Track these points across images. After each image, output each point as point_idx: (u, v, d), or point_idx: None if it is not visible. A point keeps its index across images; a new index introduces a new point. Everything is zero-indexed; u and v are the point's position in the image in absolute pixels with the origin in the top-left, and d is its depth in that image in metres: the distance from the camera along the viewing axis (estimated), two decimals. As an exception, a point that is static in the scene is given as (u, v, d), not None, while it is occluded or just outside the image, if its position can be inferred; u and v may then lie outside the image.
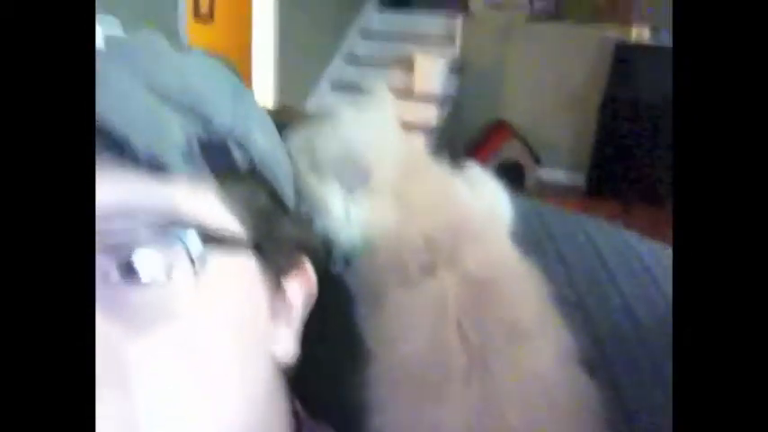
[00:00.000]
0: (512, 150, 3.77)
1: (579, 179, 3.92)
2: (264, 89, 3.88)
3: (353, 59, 4.51)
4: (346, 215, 0.42)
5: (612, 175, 3.66)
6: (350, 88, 4.38)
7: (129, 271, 0.25)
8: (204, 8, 4.44)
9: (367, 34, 4.61)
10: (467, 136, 4.18)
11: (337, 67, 4.46)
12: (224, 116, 0.29)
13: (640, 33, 3.65)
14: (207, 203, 0.28)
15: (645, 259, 0.50)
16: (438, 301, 0.41)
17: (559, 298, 0.53)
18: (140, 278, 0.25)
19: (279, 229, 0.33)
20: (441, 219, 0.44)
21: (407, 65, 4.15)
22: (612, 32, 3.75)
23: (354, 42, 4.57)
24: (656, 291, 0.47)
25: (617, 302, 0.47)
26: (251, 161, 0.30)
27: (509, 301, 0.43)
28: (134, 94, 0.27)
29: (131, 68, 0.28)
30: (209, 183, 0.29)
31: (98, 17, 0.30)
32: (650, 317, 0.48)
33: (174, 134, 0.27)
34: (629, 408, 0.44)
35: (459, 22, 4.22)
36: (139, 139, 0.25)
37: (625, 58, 3.63)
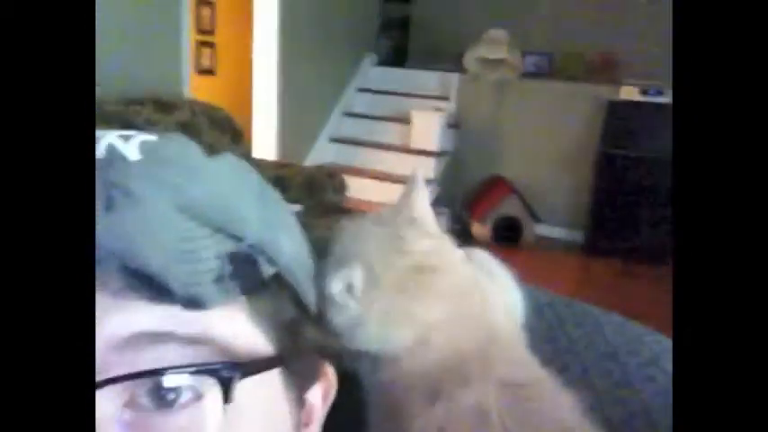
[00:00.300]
0: (510, 206, 3.81)
1: (577, 236, 3.94)
2: (265, 142, 3.93)
3: (352, 114, 4.60)
4: (359, 314, 0.41)
5: (610, 233, 3.69)
6: (348, 142, 4.45)
7: (159, 397, 0.25)
8: (206, 63, 4.56)
9: (365, 90, 4.72)
10: (465, 191, 4.22)
11: (336, 122, 4.54)
12: (253, 229, 0.30)
13: (630, 91, 3.76)
14: (236, 324, 0.29)
15: (659, 360, 0.50)
16: (480, 412, 0.40)
17: (579, 399, 0.52)
18: (170, 404, 0.25)
19: (302, 339, 0.33)
20: (470, 326, 0.44)
21: (405, 120, 4.23)
22: (604, 90, 3.86)
23: (353, 98, 4.68)
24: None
25: (636, 407, 0.47)
26: (276, 268, 0.31)
27: (549, 402, 0.42)
28: (169, 222, 0.27)
29: (164, 185, 0.28)
30: (238, 302, 0.29)
31: (135, 133, 0.31)
32: (667, 421, 0.47)
33: (208, 262, 0.27)
34: None
35: (454, 78, 4.34)
36: (176, 279, 0.25)
37: (617, 115, 3.72)
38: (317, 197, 2.91)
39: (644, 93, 3.71)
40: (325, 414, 0.37)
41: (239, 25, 4.61)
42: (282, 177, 2.90)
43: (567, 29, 4.44)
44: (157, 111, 2.66)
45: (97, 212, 0.25)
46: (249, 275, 0.29)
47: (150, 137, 0.31)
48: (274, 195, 0.35)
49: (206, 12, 4.48)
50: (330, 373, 0.38)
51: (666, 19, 4.14)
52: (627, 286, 3.29)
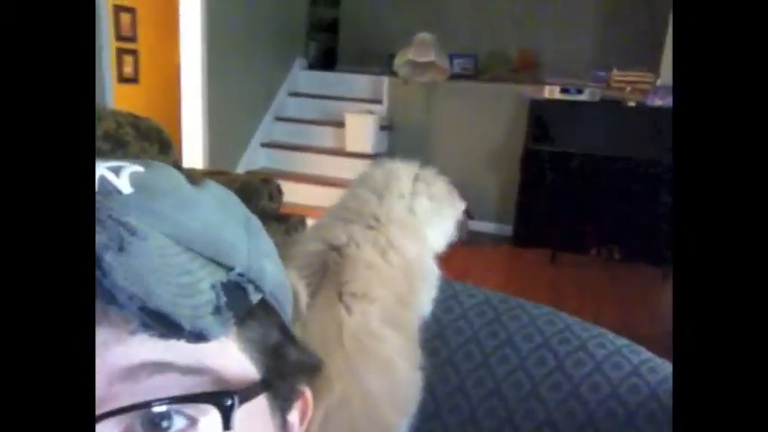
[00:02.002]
0: (442, 204, 3.91)
1: (507, 229, 4.10)
2: (194, 150, 3.84)
3: (284, 119, 4.57)
4: None
5: (537, 225, 3.86)
6: (281, 147, 4.42)
7: (154, 425, 0.26)
8: (128, 71, 4.40)
9: (296, 94, 4.70)
10: (398, 190, 4.28)
11: (268, 127, 4.50)
12: (242, 258, 0.31)
13: (552, 90, 3.95)
14: (228, 352, 0.30)
15: (587, 346, 0.56)
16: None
17: (513, 383, 0.57)
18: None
19: (286, 362, 0.34)
20: None
21: (338, 123, 4.26)
22: (527, 89, 4.03)
23: (284, 102, 4.65)
24: (601, 377, 0.53)
25: (567, 389, 0.52)
26: (262, 294, 0.32)
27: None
28: (169, 256, 0.28)
29: (160, 219, 0.29)
30: (230, 332, 0.29)
31: (120, 163, 0.31)
32: (596, 398, 0.53)
33: (206, 294, 0.28)
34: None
35: (385, 81, 4.40)
36: (183, 314, 0.26)
37: (540, 113, 3.90)
38: (252, 204, 2.88)
39: (564, 91, 3.90)
40: None
41: (162, 31, 4.48)
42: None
43: (489, 31, 4.61)
44: (80, 122, 2.55)
45: (110, 252, 0.25)
46: (240, 304, 0.29)
47: (138, 168, 0.31)
48: (257, 223, 0.35)
49: (126, 18, 4.31)
50: (307, 392, 0.38)
51: (582, 20, 4.39)
52: (554, 274, 3.46)
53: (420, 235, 0.65)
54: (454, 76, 4.26)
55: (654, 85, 3.68)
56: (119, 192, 0.29)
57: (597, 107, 3.80)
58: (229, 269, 0.30)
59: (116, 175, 0.30)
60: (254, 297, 0.31)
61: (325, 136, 4.41)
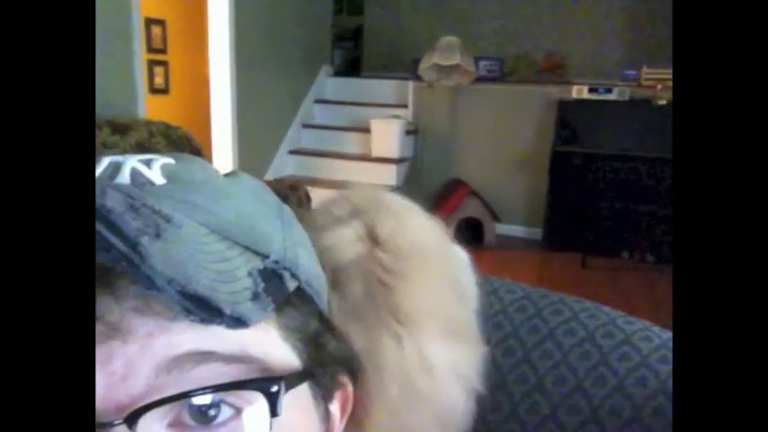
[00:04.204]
0: (470, 208, 3.88)
1: (536, 233, 4.05)
2: (224, 159, 3.90)
3: (310, 126, 4.61)
4: None
5: (567, 228, 3.80)
6: (308, 153, 4.46)
7: (201, 414, 0.26)
8: (159, 82, 4.49)
9: (322, 101, 4.74)
10: (426, 195, 4.28)
11: (295, 134, 4.54)
12: (276, 245, 0.30)
13: (580, 90, 3.89)
14: (270, 340, 0.29)
15: (632, 339, 0.54)
16: None
17: (556, 378, 0.56)
18: (211, 421, 0.26)
19: (326, 350, 0.34)
20: None
21: (364, 129, 4.27)
22: (554, 90, 3.99)
23: (310, 109, 4.69)
24: (647, 371, 0.51)
25: (614, 384, 0.51)
26: (298, 282, 0.31)
27: None
28: (205, 244, 0.28)
29: (194, 208, 0.29)
30: (270, 319, 0.29)
31: (152, 157, 0.31)
32: (642, 394, 0.52)
33: (244, 281, 0.28)
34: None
35: (410, 85, 4.41)
36: (222, 299, 0.26)
37: (568, 114, 3.85)
38: (282, 210, 2.90)
39: (592, 91, 3.84)
40: (343, 426, 0.38)
41: (191, 42, 4.57)
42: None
43: (515, 33, 4.58)
44: (114, 133, 2.61)
45: (147, 238, 0.25)
46: (278, 291, 0.29)
47: (169, 160, 0.31)
48: (290, 212, 0.35)
49: (157, 30, 4.42)
50: (347, 383, 0.38)
51: (609, 18, 4.33)
52: (586, 278, 3.40)
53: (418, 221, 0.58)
54: (480, 79, 4.24)
55: (686, 82, 3.59)
56: (151, 183, 0.29)
57: (627, 106, 3.73)
58: (265, 257, 0.30)
59: (148, 167, 0.30)
60: (291, 284, 0.31)
61: (351, 142, 4.43)
